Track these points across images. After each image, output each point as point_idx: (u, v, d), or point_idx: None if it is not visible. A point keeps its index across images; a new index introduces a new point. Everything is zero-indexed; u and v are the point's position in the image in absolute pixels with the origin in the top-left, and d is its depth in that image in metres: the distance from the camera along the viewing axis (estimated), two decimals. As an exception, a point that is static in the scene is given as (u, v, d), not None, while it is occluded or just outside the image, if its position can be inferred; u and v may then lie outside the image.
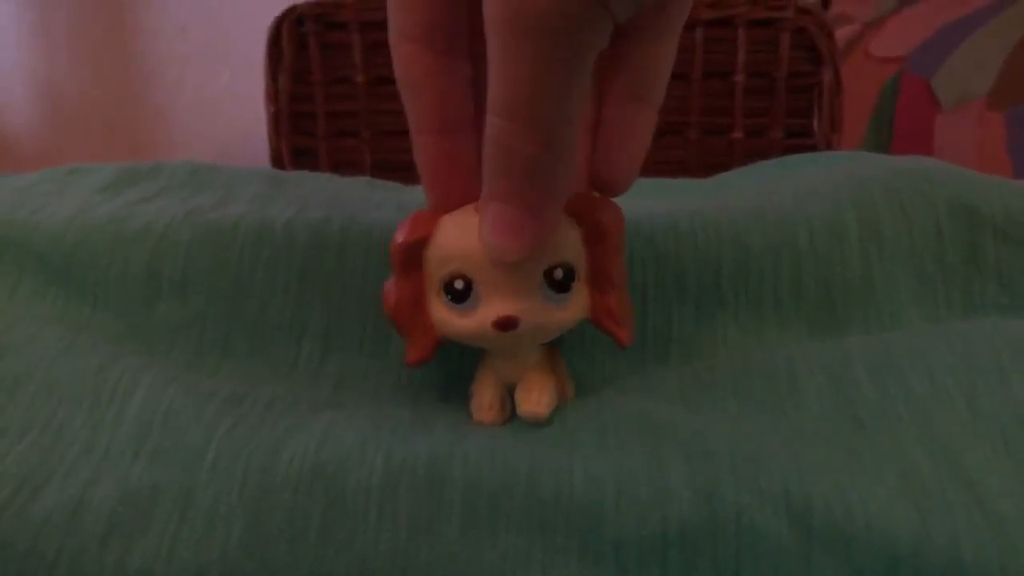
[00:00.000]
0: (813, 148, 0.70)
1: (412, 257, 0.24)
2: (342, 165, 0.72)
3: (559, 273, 0.23)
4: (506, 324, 0.23)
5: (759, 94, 0.71)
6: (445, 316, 0.24)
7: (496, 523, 0.21)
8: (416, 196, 0.37)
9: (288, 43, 0.70)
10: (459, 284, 0.23)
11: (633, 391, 0.27)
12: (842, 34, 0.98)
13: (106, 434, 0.23)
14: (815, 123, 0.71)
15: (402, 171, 0.67)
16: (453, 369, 0.29)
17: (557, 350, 0.27)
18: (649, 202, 0.32)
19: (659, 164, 0.70)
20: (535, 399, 0.24)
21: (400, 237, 0.24)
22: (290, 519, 0.21)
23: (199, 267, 0.30)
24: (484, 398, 0.25)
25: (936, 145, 1.00)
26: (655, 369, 0.29)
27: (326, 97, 0.71)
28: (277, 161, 0.72)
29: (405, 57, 0.23)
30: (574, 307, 0.24)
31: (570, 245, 0.23)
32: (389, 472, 0.22)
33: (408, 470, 0.22)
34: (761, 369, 0.27)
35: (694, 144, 0.72)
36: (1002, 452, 0.23)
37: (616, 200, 0.25)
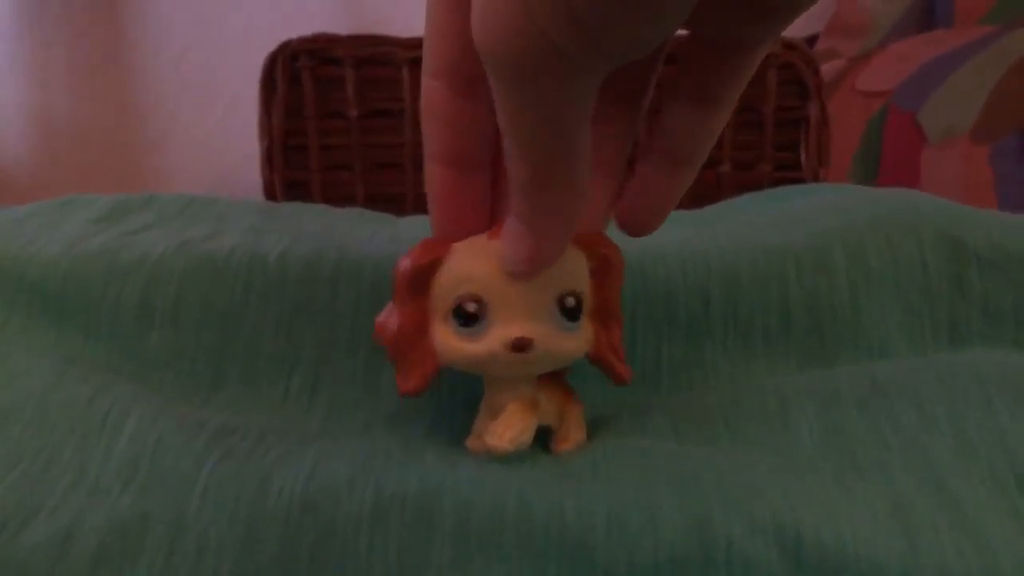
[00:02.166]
0: (801, 181, 0.71)
1: (421, 281, 0.24)
2: (335, 198, 0.73)
3: (571, 301, 0.24)
4: (521, 345, 0.23)
5: (747, 128, 0.72)
6: (452, 342, 0.24)
7: (487, 553, 0.21)
8: (408, 228, 0.37)
9: (282, 78, 0.70)
10: (471, 307, 0.23)
11: (624, 424, 0.27)
12: (828, 69, 1.00)
13: (96, 465, 0.23)
14: (803, 156, 0.72)
15: (394, 204, 0.67)
16: (444, 400, 0.29)
17: (571, 396, 0.26)
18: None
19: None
20: (499, 432, 0.24)
21: (409, 262, 0.24)
22: (280, 551, 0.21)
23: (192, 298, 0.30)
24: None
25: (922, 178, 1.01)
26: (645, 398, 0.29)
27: (319, 131, 0.72)
28: (270, 194, 0.72)
29: (427, 90, 0.23)
30: (582, 340, 0.24)
31: (580, 276, 0.24)
32: (379, 504, 0.22)
33: (398, 501, 0.22)
34: (751, 401, 0.27)
35: (684, 177, 0.73)
36: (989, 481, 0.23)
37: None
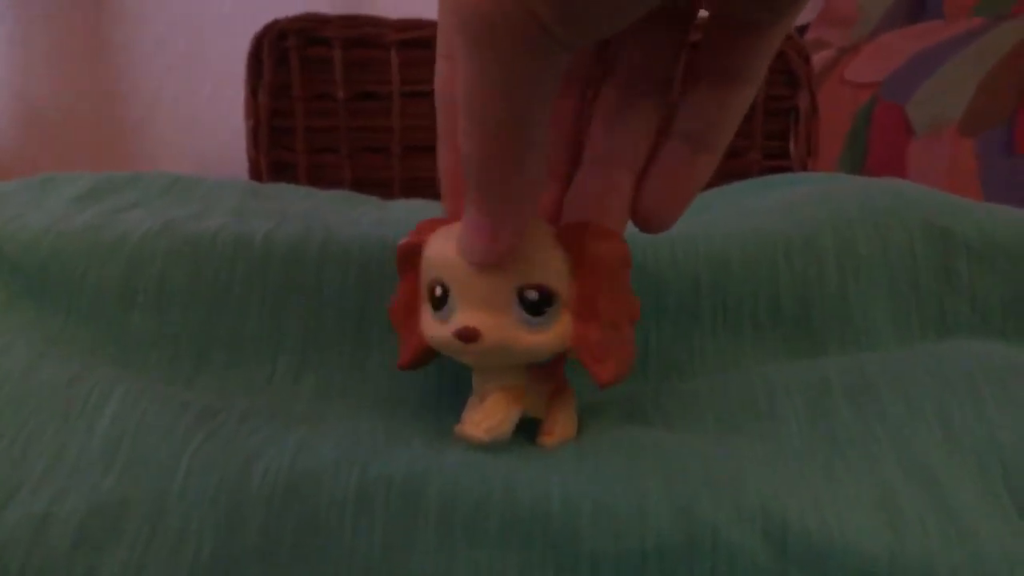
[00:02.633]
0: (789, 170, 0.71)
1: (407, 260, 0.24)
2: (321, 181, 0.72)
3: (532, 295, 0.23)
4: (465, 335, 0.22)
5: (737, 116, 0.72)
6: (428, 323, 0.24)
7: (472, 538, 0.21)
8: (396, 211, 0.37)
9: (269, 58, 0.69)
10: (439, 291, 0.23)
11: (611, 411, 0.27)
12: (818, 59, 1.00)
13: (76, 446, 0.23)
14: (791, 146, 0.72)
15: (381, 188, 0.66)
16: (432, 384, 0.28)
17: (569, 391, 0.26)
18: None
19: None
20: (477, 421, 0.24)
21: (402, 241, 0.24)
22: (263, 535, 0.21)
23: (175, 279, 0.29)
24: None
25: (909, 169, 1.01)
26: (633, 384, 0.29)
27: (306, 112, 0.71)
28: (256, 175, 0.71)
29: (440, 71, 0.23)
30: (552, 335, 0.23)
31: (551, 270, 0.23)
32: (364, 488, 0.21)
33: (383, 485, 0.21)
34: (739, 389, 0.27)
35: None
36: (976, 472, 0.23)
37: None
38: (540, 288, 0.23)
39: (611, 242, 0.23)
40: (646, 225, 0.24)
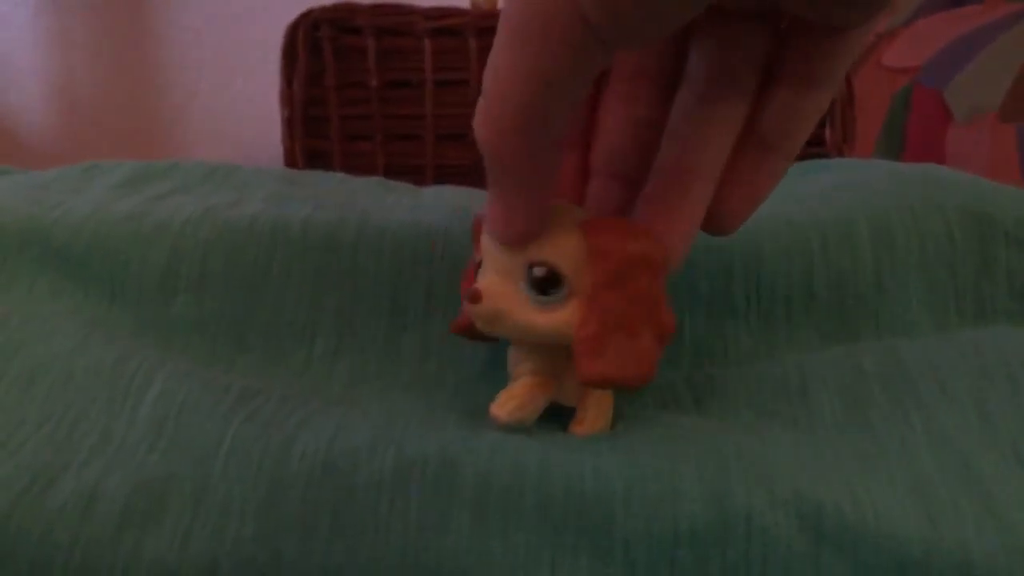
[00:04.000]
0: (826, 157, 0.70)
1: (476, 231, 0.25)
2: (355, 168, 0.73)
3: (539, 271, 0.23)
4: (471, 295, 0.23)
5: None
6: None
7: (506, 520, 0.21)
8: (430, 197, 0.37)
9: (303, 47, 0.70)
10: (477, 258, 0.24)
11: (645, 398, 0.27)
12: (855, 45, 0.98)
13: (122, 426, 0.24)
14: (827, 132, 0.71)
15: (414, 175, 0.67)
16: (467, 367, 0.29)
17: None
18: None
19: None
20: (501, 402, 0.24)
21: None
22: (302, 513, 0.21)
23: (216, 264, 0.30)
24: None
25: (948, 156, 1.00)
26: (666, 372, 0.29)
27: (340, 101, 0.72)
28: (291, 163, 0.72)
29: None
30: (555, 318, 0.23)
31: (565, 254, 0.23)
32: (400, 468, 0.22)
33: (419, 466, 0.22)
34: (773, 376, 0.27)
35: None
36: (1011, 458, 0.23)
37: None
38: (547, 266, 0.23)
39: (635, 241, 0.23)
40: (714, 228, 0.24)
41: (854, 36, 0.21)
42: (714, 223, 0.24)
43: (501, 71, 0.19)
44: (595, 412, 0.25)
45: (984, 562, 0.20)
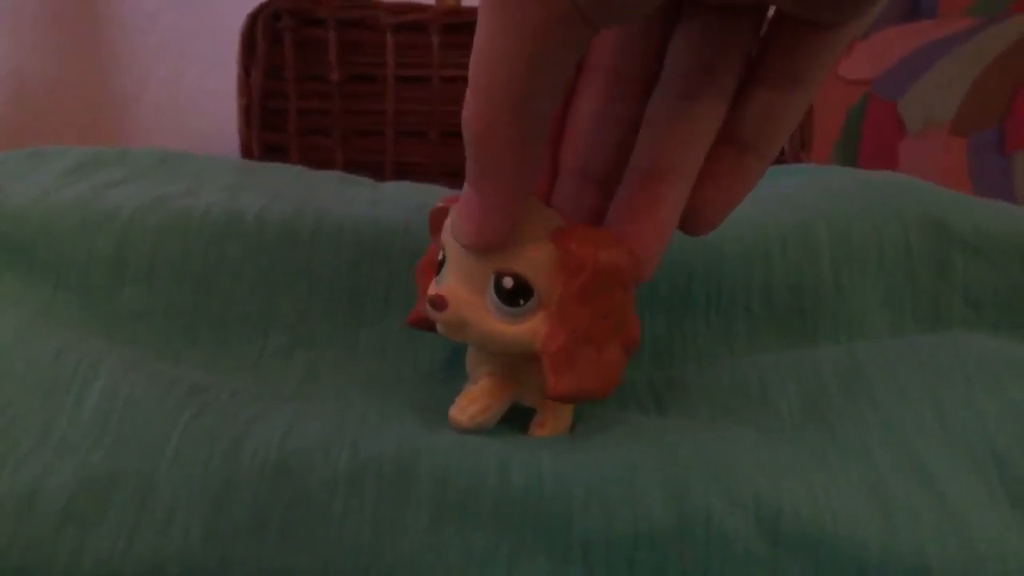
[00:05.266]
0: (783, 164, 0.71)
1: (436, 223, 0.24)
2: (313, 163, 0.71)
3: (508, 281, 0.22)
4: (434, 301, 0.22)
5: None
6: (431, 285, 0.24)
7: (464, 520, 0.21)
8: (390, 192, 0.36)
9: (263, 37, 0.69)
10: (440, 255, 0.23)
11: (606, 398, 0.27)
12: (813, 55, 1.00)
13: (64, 421, 0.23)
14: (785, 140, 0.71)
15: (373, 171, 0.66)
16: (425, 364, 0.28)
17: None
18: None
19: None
20: (462, 406, 0.24)
21: (436, 203, 0.25)
22: (253, 513, 0.21)
23: (166, 254, 0.29)
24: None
25: (901, 167, 1.02)
26: (627, 372, 0.29)
27: (299, 94, 0.71)
28: (247, 156, 0.71)
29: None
30: (521, 329, 0.22)
31: (535, 264, 0.22)
32: (355, 467, 0.21)
33: (375, 465, 0.21)
34: (732, 376, 0.27)
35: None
36: (967, 461, 0.23)
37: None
38: (516, 277, 0.22)
39: (607, 252, 0.22)
40: (689, 229, 0.23)
41: (841, 34, 0.20)
42: (689, 224, 0.23)
43: (483, 54, 0.18)
44: (557, 414, 0.25)
45: (940, 564, 0.20)
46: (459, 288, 0.22)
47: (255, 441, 0.22)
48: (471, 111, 0.19)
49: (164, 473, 0.21)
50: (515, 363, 0.24)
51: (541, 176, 0.25)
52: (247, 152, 0.70)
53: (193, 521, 0.20)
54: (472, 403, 0.24)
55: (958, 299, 0.31)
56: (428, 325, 0.25)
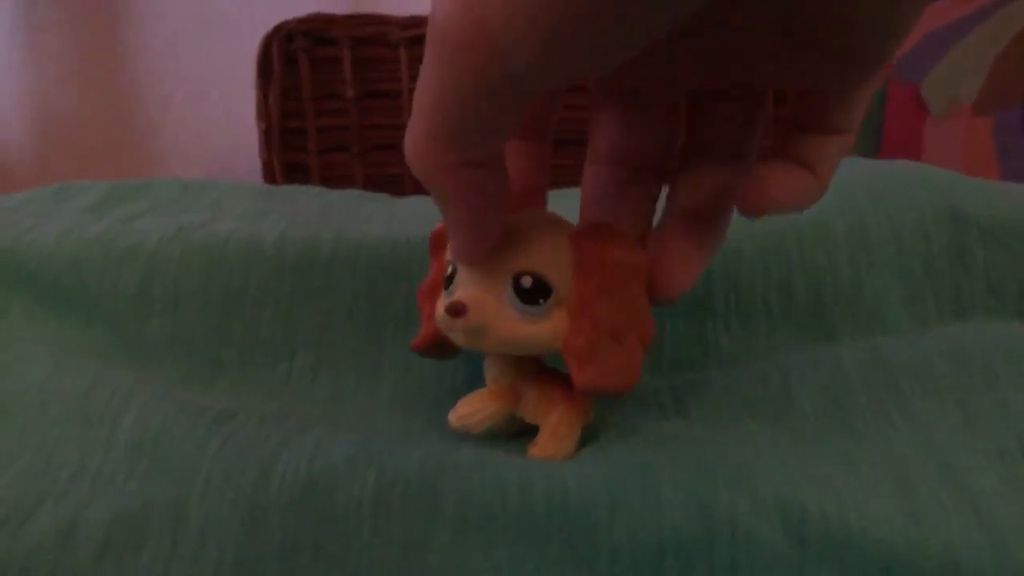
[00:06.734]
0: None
1: (438, 244, 0.25)
2: (334, 180, 0.73)
3: (527, 280, 0.22)
4: (454, 309, 0.22)
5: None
6: (439, 304, 0.24)
7: (489, 534, 0.21)
8: (405, 208, 0.37)
9: (278, 59, 0.70)
10: (449, 270, 0.24)
11: (626, 403, 0.27)
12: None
13: (98, 455, 0.23)
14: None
15: (393, 185, 0.66)
16: (446, 382, 0.28)
17: (564, 402, 0.24)
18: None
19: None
20: (457, 407, 0.24)
21: (437, 225, 0.25)
22: (283, 536, 0.21)
23: (190, 284, 0.30)
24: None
25: (925, 151, 1.00)
26: (648, 378, 0.29)
27: (316, 113, 0.72)
28: (269, 177, 0.72)
29: None
30: (542, 328, 0.23)
31: (553, 264, 0.22)
32: (381, 487, 0.21)
33: (400, 484, 0.21)
34: (753, 378, 0.27)
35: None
36: (994, 456, 0.23)
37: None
38: (536, 276, 0.22)
39: (620, 246, 0.23)
40: (655, 293, 0.24)
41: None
42: (654, 288, 0.24)
43: (423, 95, 0.18)
44: (557, 436, 0.24)
45: (969, 561, 0.20)
46: (477, 293, 0.23)
47: (283, 466, 0.22)
48: (408, 139, 0.19)
49: (196, 501, 0.22)
50: (520, 372, 0.24)
51: (526, 167, 0.25)
52: (269, 173, 0.71)
53: (226, 547, 0.21)
54: (465, 406, 0.24)
55: (980, 288, 0.30)
56: (435, 350, 0.25)
